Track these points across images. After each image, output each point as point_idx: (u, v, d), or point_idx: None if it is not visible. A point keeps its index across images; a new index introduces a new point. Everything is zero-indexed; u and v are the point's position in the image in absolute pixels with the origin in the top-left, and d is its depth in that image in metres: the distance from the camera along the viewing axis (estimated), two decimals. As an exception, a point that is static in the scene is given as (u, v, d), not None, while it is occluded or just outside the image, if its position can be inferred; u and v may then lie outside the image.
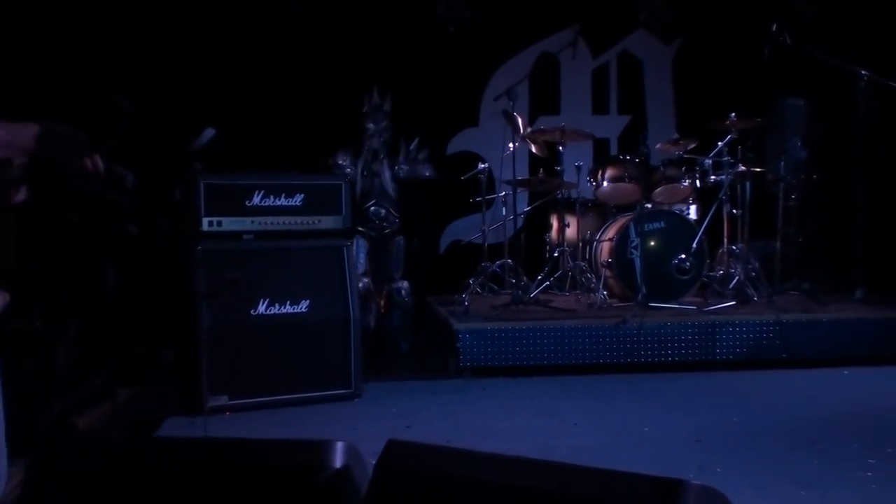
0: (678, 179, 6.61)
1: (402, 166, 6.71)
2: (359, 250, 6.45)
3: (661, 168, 6.69)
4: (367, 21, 7.71)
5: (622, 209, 6.99)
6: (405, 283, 6.69)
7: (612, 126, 8.30)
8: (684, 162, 6.63)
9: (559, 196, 6.87)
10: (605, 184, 6.75)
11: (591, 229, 6.99)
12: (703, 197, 6.77)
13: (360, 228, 6.51)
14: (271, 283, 4.84)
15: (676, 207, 6.76)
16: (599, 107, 8.33)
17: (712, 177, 6.52)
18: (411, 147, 6.81)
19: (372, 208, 6.61)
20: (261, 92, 7.49)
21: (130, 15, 6.92)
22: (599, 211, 7.13)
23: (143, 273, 5.84)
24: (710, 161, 6.49)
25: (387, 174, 6.67)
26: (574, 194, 6.91)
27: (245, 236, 4.87)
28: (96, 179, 2.11)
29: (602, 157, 7.40)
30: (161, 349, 5.98)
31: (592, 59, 8.28)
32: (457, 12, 7.91)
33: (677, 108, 8.28)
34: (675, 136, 6.87)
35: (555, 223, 7.15)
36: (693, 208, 6.84)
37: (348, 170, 6.56)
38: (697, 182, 6.60)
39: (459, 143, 8.12)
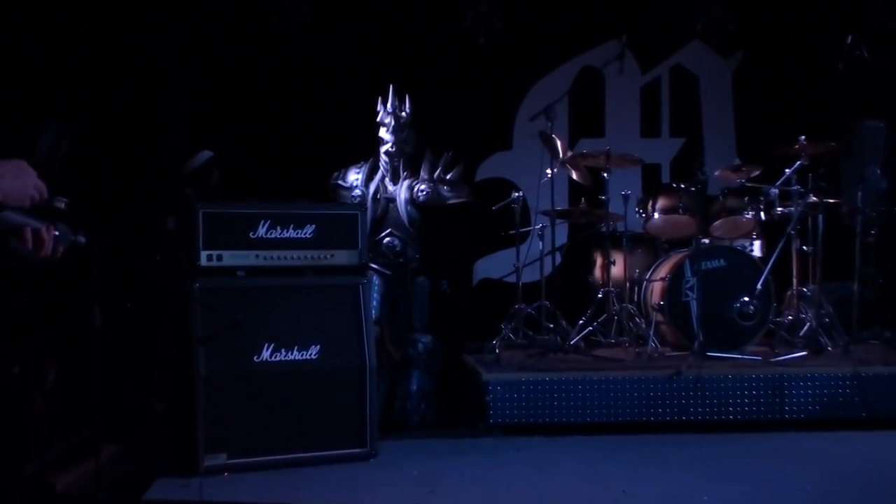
0: (740, 211, 6.59)
1: (420, 187, 6.24)
2: (370, 291, 5.75)
3: (721, 198, 6.68)
4: (385, 33, 7.78)
5: (676, 245, 6.96)
6: (428, 338, 6.18)
7: (663, 150, 8.30)
8: (747, 191, 6.61)
9: (603, 229, 6.84)
10: (656, 216, 6.73)
11: (640, 267, 6.97)
12: (769, 231, 6.75)
13: (371, 265, 5.96)
14: (277, 325, 4.84)
15: (738, 243, 6.73)
16: (649, 128, 8.34)
17: (779, 208, 6.49)
18: (434, 160, 6.36)
19: (386, 240, 6.16)
20: (264, 107, 7.57)
21: (125, 24, 7.03)
22: (650, 246, 7.11)
23: (133, 313, 5.85)
24: (777, 190, 6.46)
25: (403, 197, 6.23)
26: (621, 227, 6.89)
27: (248, 272, 4.87)
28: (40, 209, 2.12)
29: (653, 186, 7.41)
30: (152, 400, 5.97)
31: (641, 74, 8.30)
32: (488, 21, 7.95)
33: (738, 131, 8.28)
34: (736, 161, 6.85)
35: (598, 260, 7.12)
36: (757, 244, 6.81)
37: (357, 191, 6.19)
38: (762, 214, 6.58)
39: (490, 168, 8.14)
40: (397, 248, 6.19)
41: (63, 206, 2.20)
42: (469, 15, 7.93)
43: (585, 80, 7.94)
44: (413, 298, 6.17)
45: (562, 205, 7.62)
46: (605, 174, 6.66)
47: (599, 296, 6.79)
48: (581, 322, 6.59)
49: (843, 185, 6.90)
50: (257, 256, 4.89)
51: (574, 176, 7.14)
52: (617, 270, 6.95)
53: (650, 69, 8.32)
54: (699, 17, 8.18)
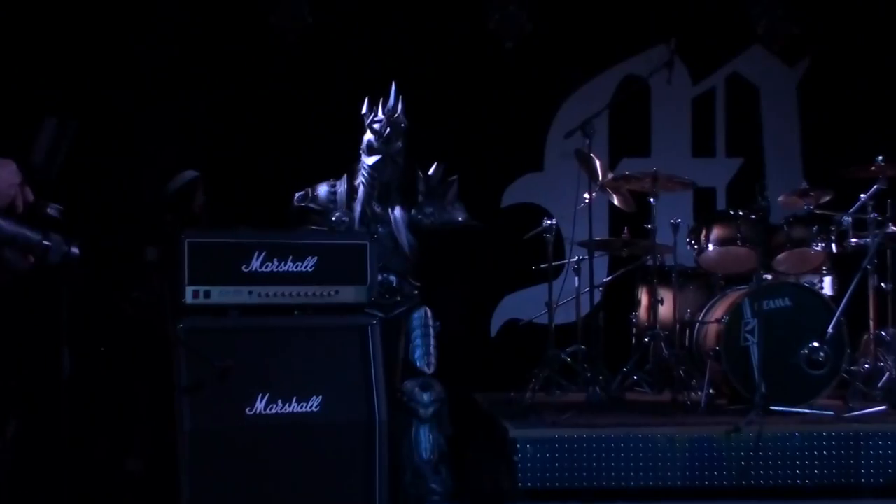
0: (808, 242, 6.58)
1: (425, 209, 5.97)
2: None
3: (786, 227, 6.66)
4: (397, 36, 7.82)
5: (733, 281, 6.95)
6: (436, 387, 5.77)
7: (719, 172, 8.31)
8: (816, 219, 6.61)
9: (649, 263, 6.85)
10: (710, 247, 6.72)
11: (692, 307, 6.96)
12: (842, 266, 6.73)
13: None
14: (273, 373, 4.83)
15: (806, 279, 6.71)
16: (702, 147, 8.36)
17: (853, 239, 6.47)
18: (430, 175, 6.05)
19: (378, 276, 5.63)
20: (261, 123, 7.63)
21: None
22: (703, 283, 7.10)
23: (107, 358, 5.86)
24: (851, 219, 6.45)
25: (400, 221, 5.94)
26: (669, 261, 6.90)
27: (240, 311, 4.88)
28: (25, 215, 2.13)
29: (706, 213, 7.40)
30: (128, 458, 5.97)
31: (693, 84, 8.33)
32: (516, 24, 8.00)
33: (805, 149, 8.28)
34: (803, 185, 6.84)
35: (644, 299, 7.11)
36: (828, 281, 6.80)
37: (337, 215, 5.83)
38: (833, 246, 6.57)
39: (518, 192, 8.15)
40: (393, 285, 5.92)
41: (56, 213, 2.22)
42: (494, 16, 7.97)
43: (628, 91, 7.97)
44: (412, 336, 5.84)
45: (601, 234, 7.60)
46: (652, 199, 6.67)
47: (645, 340, 6.77)
48: (624, 370, 6.58)
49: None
50: (251, 293, 4.89)
51: (615, 201, 7.16)
52: (665, 310, 6.93)
53: (703, 78, 8.34)
54: (759, 19, 8.20)
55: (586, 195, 6.71)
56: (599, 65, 8.26)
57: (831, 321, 6.20)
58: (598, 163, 6.88)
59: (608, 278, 7.70)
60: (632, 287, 7.32)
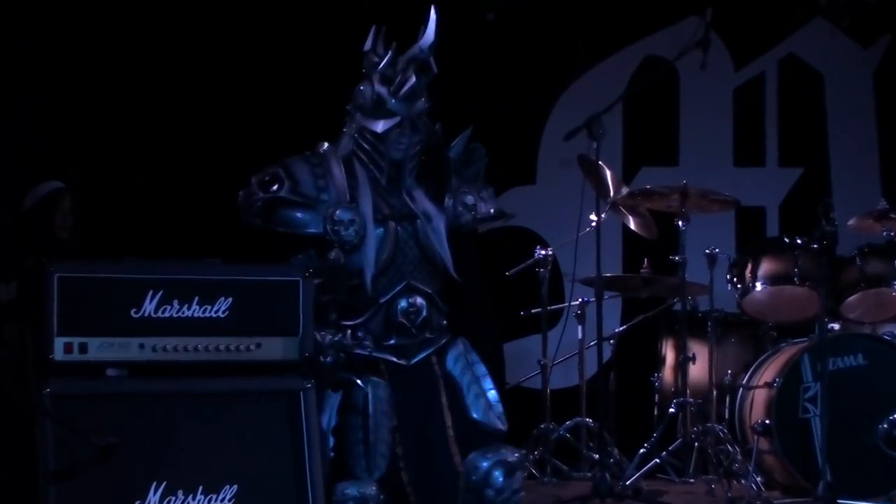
0: (888, 281, 6.62)
1: (464, 197, 5.25)
2: (331, 401, 5.00)
3: (859, 260, 6.71)
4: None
5: (789, 332, 6.99)
6: (522, 465, 5.42)
7: (770, 186, 8.40)
8: (898, 250, 6.64)
9: (677, 308, 6.88)
10: (758, 287, 6.76)
11: (733, 367, 6.99)
12: None
13: (371, 352, 4.98)
14: (172, 455, 4.79)
15: (885, 330, 6.75)
16: (748, 153, 8.44)
17: (947, 277, 6.51)
18: (455, 144, 5.37)
19: (401, 301, 5.04)
20: (158, 112, 7.60)
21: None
22: (749, 334, 7.15)
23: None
24: (946, 250, 6.50)
25: (435, 217, 5.17)
26: (704, 304, 6.96)
27: (128, 371, 4.85)
28: None
29: (754, 241, 7.50)
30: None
31: (735, 70, 8.42)
32: (501, -9, 8.02)
33: (885, 157, 8.37)
34: (883, 204, 6.86)
35: (669, 355, 7.15)
36: None
37: (340, 213, 4.96)
38: (924, 286, 6.59)
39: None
40: (423, 314, 5.09)
41: None
42: (472, -23, 7.99)
43: (649, 78, 7.98)
44: (460, 385, 5.12)
45: (613, 270, 7.61)
46: (681, 222, 6.71)
47: (671, 410, 6.77)
48: (642, 451, 6.59)
49: None
50: (142, 347, 4.84)
51: (632, 225, 7.16)
52: (698, 371, 6.96)
53: (749, 62, 8.43)
54: (823, -16, 8.30)
55: (593, 216, 6.73)
56: (611, 43, 8.29)
57: (919, 386, 6.25)
58: (608, 173, 6.90)
59: (622, 328, 7.70)
60: (653, 340, 7.36)
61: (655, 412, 6.98)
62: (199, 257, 5.20)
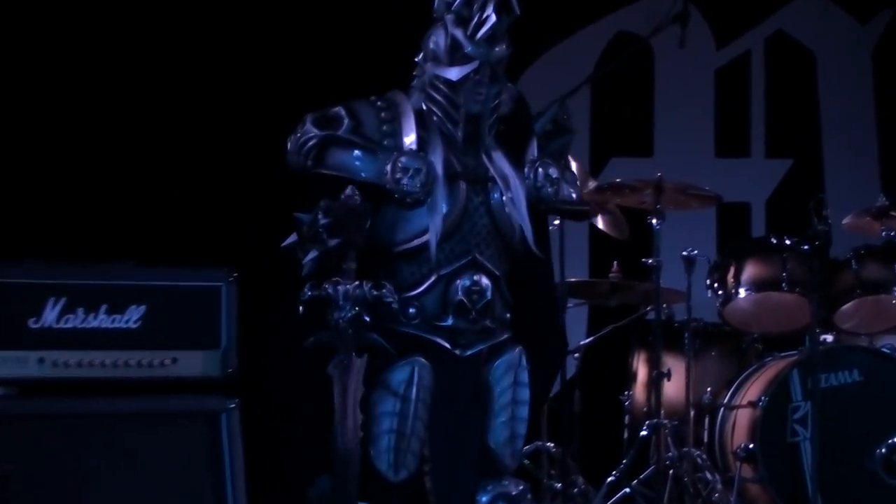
0: (888, 287, 6.63)
1: (549, 170, 4.93)
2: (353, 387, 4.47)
3: (854, 264, 6.72)
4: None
5: (776, 344, 7.02)
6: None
7: (755, 180, 8.43)
8: (899, 252, 6.66)
9: (651, 317, 6.88)
10: (741, 293, 6.78)
11: (713, 384, 7.02)
12: None
13: (421, 333, 4.68)
14: (74, 483, 4.74)
15: (884, 342, 6.78)
16: (731, 142, 8.47)
17: (955, 283, 6.53)
18: (545, 111, 5.18)
19: (463, 279, 4.73)
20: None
21: None
22: (731, 347, 7.16)
23: None
24: (952, 252, 6.52)
25: (516, 186, 4.88)
26: (681, 313, 6.97)
27: (21, 389, 4.78)
28: None
29: (737, 241, 7.47)
30: None
31: (717, 48, 8.43)
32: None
33: (884, 147, 8.40)
34: (882, 200, 6.86)
35: (641, 370, 7.17)
36: None
37: (412, 162, 4.66)
38: (926, 293, 6.61)
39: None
40: (487, 297, 4.77)
41: None
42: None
43: (621, 57, 7.97)
44: (493, 398, 4.83)
45: (578, 274, 7.62)
46: (655, 221, 6.70)
47: (643, 433, 6.76)
48: (610, 479, 6.60)
49: None
50: (42, 361, 4.79)
51: (599, 223, 7.15)
52: (674, 389, 6.93)
53: (733, 40, 8.45)
54: (816, -47, 8.31)
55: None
56: (578, 17, 8.28)
57: (923, 405, 6.27)
58: (573, 165, 6.86)
59: (588, 340, 7.67)
60: (624, 353, 7.34)
61: (625, 435, 6.97)
62: (107, 258, 5.14)
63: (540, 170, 4.87)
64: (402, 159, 4.61)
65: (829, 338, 6.65)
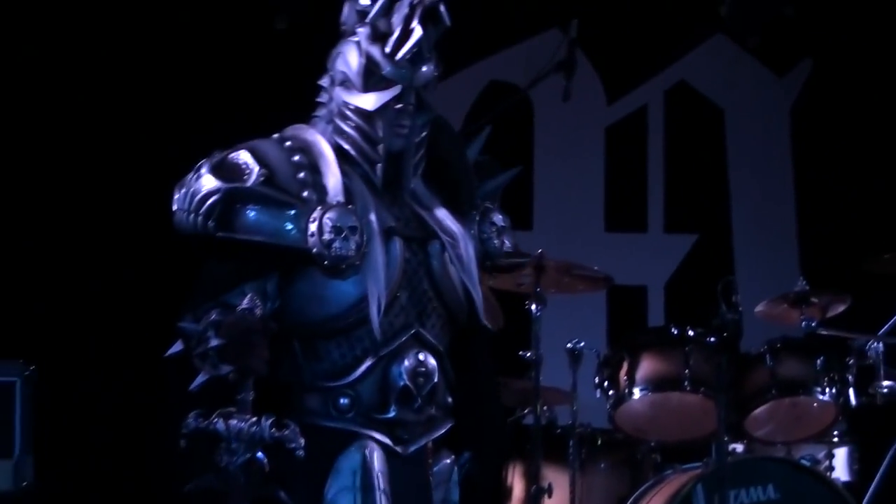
0: (807, 388, 6.65)
1: (493, 217, 4.72)
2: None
3: (768, 359, 6.74)
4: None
5: (676, 454, 7.03)
6: None
7: (653, 259, 8.46)
8: (821, 346, 6.71)
9: (528, 421, 6.87)
10: (636, 393, 6.77)
11: (602, 500, 7.02)
12: (866, 428, 6.90)
13: (366, 431, 4.44)
14: None
15: (804, 452, 6.80)
16: (623, 214, 8.50)
17: (886, 382, 6.51)
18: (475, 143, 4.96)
19: (407, 360, 4.50)
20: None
21: None
22: (623, 458, 7.13)
23: None
24: (882, 345, 6.52)
25: (464, 239, 4.63)
26: (565, 417, 6.94)
27: None
28: None
29: (632, 332, 7.50)
30: None
31: (609, 102, 8.46)
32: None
33: (803, 221, 8.45)
34: (802, 284, 6.88)
35: (517, 485, 7.09)
36: (841, 454, 6.93)
37: (328, 217, 4.29)
38: (852, 394, 6.66)
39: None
40: (434, 380, 4.56)
41: None
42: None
43: (493, 111, 7.93)
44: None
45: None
46: (535, 306, 6.68)
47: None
48: None
49: None
50: None
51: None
52: (556, 507, 6.88)
53: (626, 93, 8.50)
54: (727, -7, 8.35)
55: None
56: (446, 62, 8.23)
57: (850, 528, 6.29)
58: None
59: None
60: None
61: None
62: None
63: (483, 218, 4.66)
64: (331, 216, 4.27)
65: (740, 447, 6.68)
